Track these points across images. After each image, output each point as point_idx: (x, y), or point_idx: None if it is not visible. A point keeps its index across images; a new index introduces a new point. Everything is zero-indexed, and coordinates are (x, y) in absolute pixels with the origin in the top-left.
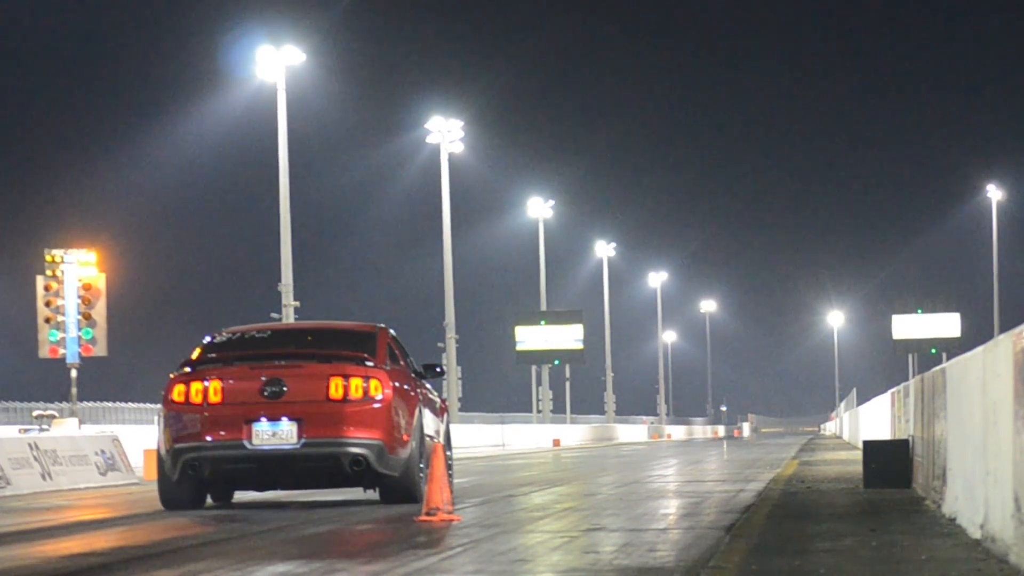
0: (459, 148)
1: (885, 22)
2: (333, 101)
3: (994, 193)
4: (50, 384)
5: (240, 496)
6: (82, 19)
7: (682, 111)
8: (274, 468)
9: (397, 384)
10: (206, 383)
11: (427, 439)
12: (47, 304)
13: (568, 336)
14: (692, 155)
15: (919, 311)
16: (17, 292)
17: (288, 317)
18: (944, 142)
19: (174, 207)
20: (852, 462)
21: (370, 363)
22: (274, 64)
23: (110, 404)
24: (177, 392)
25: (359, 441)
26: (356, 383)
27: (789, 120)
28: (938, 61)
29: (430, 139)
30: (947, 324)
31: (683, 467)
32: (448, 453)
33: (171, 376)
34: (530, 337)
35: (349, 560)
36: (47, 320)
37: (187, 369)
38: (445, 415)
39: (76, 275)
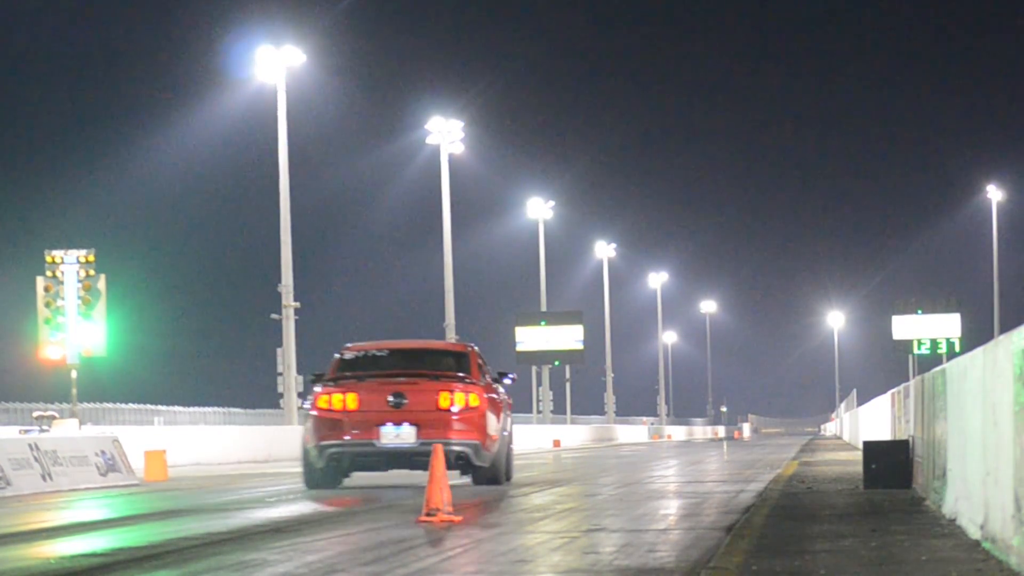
0: (459, 149)
1: (885, 22)
2: (333, 102)
3: (994, 193)
4: (50, 385)
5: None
6: (83, 20)
7: (682, 111)
8: (397, 461)
9: (488, 396)
10: (345, 395)
11: (504, 436)
12: (47, 304)
13: (568, 337)
14: (692, 156)
15: (919, 311)
16: (17, 292)
17: (288, 318)
18: (944, 143)
19: (174, 207)
20: (852, 463)
21: (469, 380)
22: (274, 65)
23: (110, 405)
24: (323, 401)
25: (462, 442)
26: (459, 396)
27: (789, 120)
28: (938, 61)
29: (430, 140)
30: (947, 324)
31: (683, 468)
32: (510, 448)
33: (315, 389)
34: (530, 338)
35: (349, 561)
36: (47, 320)
37: (327, 382)
38: (510, 409)
39: (76, 275)
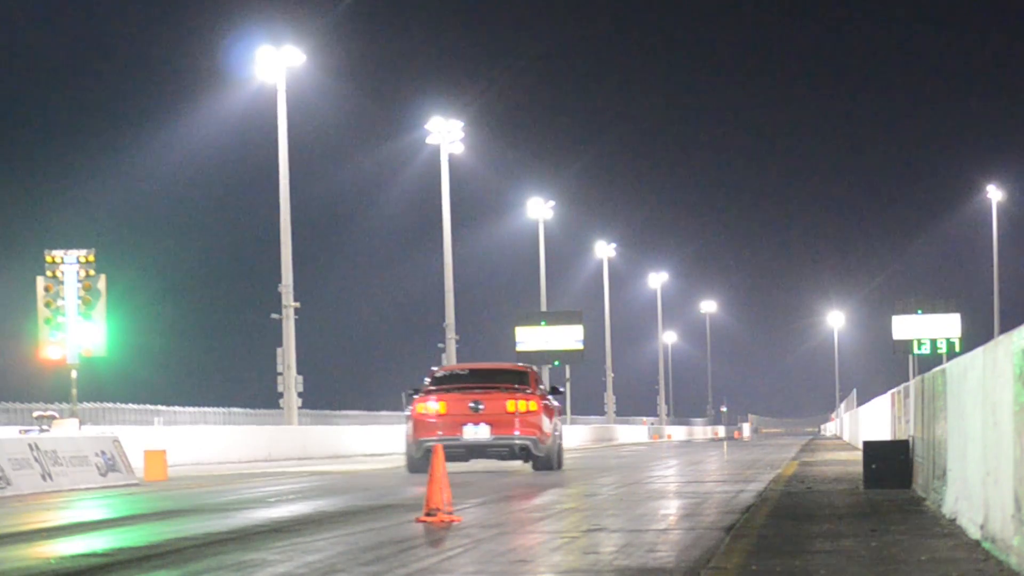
0: (459, 149)
1: (884, 22)
2: (333, 102)
3: (994, 193)
4: (50, 385)
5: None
6: (83, 19)
7: (682, 112)
8: (475, 452)
9: (543, 403)
10: (436, 403)
11: (556, 434)
12: (47, 304)
13: (568, 337)
14: (692, 155)
15: (919, 312)
16: (17, 292)
17: (288, 318)
18: (944, 143)
19: (174, 207)
20: (852, 463)
21: (528, 391)
22: (274, 64)
23: (110, 405)
24: (420, 407)
25: (524, 437)
26: (521, 403)
27: (789, 120)
28: (938, 61)
29: (430, 140)
30: (947, 325)
31: (683, 468)
32: (560, 443)
33: (414, 397)
34: (530, 338)
35: (350, 561)
36: (47, 320)
37: (423, 393)
38: (560, 414)
39: (76, 275)
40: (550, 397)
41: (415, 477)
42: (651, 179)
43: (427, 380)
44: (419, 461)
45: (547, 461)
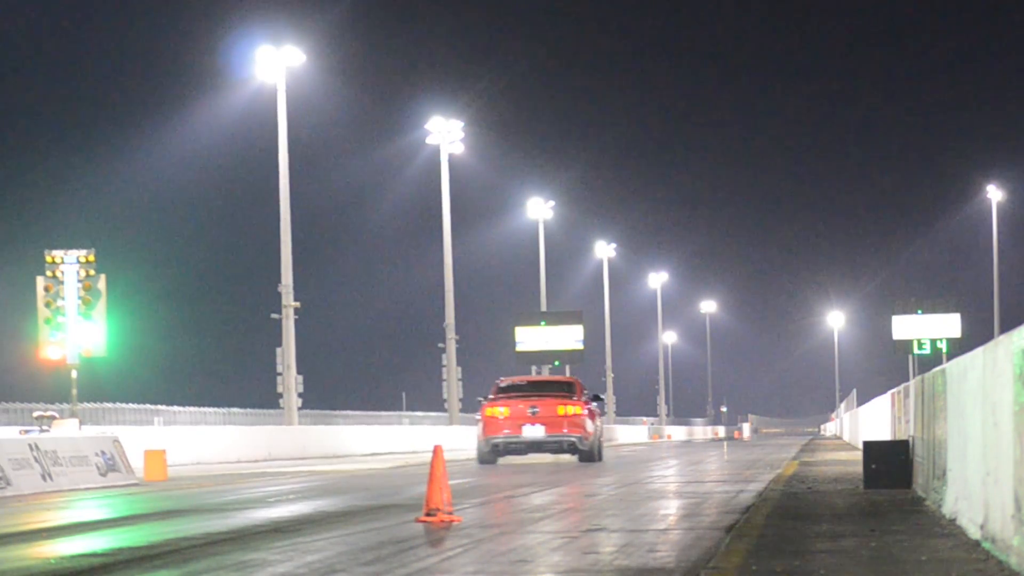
0: (459, 149)
1: (884, 22)
2: (333, 102)
3: (994, 194)
4: (50, 385)
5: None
6: (84, 19)
7: (682, 112)
8: (533, 447)
9: (586, 408)
10: (501, 407)
11: (597, 433)
12: (47, 304)
13: (568, 337)
14: (692, 156)
15: (919, 312)
16: (17, 292)
17: (288, 318)
18: (944, 143)
19: (174, 207)
20: (852, 463)
21: (575, 398)
22: (274, 65)
23: (110, 405)
24: (488, 411)
25: (571, 435)
26: (569, 408)
27: (789, 120)
28: (938, 62)
29: (430, 140)
30: (947, 324)
31: (683, 468)
32: (600, 440)
33: (483, 403)
34: (530, 338)
35: (350, 560)
36: (47, 320)
37: (490, 399)
38: (600, 416)
39: (76, 275)
40: (592, 404)
41: (413, 477)
42: (651, 179)
43: (493, 389)
44: (488, 455)
45: (590, 454)
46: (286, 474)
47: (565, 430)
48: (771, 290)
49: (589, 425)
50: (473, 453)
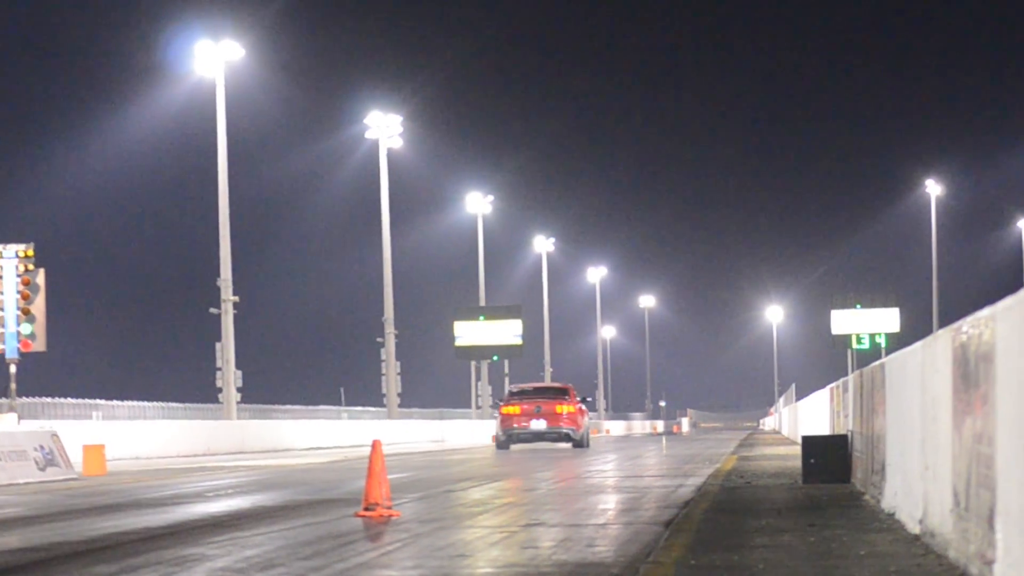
0: (398, 143)
1: (823, 17)
2: (272, 96)
3: (933, 188)
4: None
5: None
6: (19, 10)
7: (620, 106)
8: (538, 437)
9: (578, 406)
10: (514, 406)
11: (586, 426)
12: None
13: (507, 331)
14: (631, 150)
15: (858, 306)
16: None
17: (227, 312)
18: (883, 137)
19: (113, 202)
20: (791, 457)
21: (569, 399)
22: (213, 59)
23: (49, 399)
24: (505, 409)
25: (567, 428)
26: (565, 407)
27: (728, 115)
28: (878, 57)
29: (369, 134)
30: (886, 319)
31: (622, 462)
32: (588, 432)
33: (500, 404)
34: (469, 332)
35: (288, 555)
36: None
37: (505, 400)
38: (587, 414)
39: (15, 270)
40: (582, 404)
41: (352, 472)
42: (590, 174)
43: (507, 393)
44: (504, 442)
45: (580, 443)
46: (225, 469)
47: (562, 424)
48: (710, 285)
49: (580, 420)
50: (416, 447)
